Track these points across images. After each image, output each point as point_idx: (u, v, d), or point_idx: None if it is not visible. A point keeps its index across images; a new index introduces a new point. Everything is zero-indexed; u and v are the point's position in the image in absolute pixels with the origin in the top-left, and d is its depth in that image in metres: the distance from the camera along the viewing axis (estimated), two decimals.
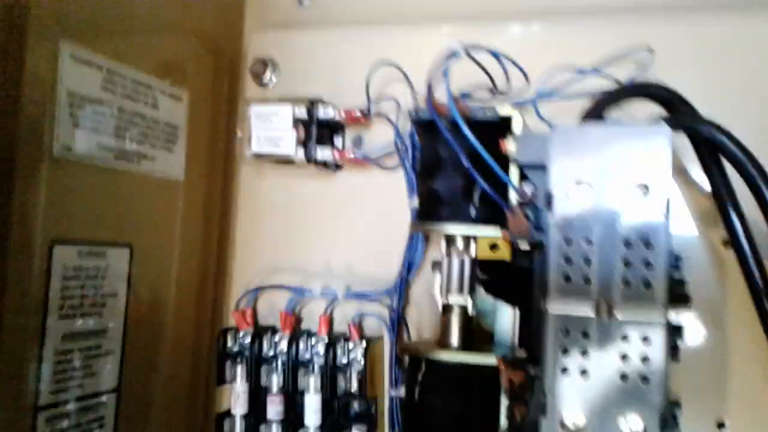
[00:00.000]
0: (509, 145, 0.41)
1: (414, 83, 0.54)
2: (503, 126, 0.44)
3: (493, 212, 0.44)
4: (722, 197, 0.43)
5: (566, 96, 0.49)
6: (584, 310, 0.37)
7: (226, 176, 0.61)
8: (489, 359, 0.42)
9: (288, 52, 0.60)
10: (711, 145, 0.40)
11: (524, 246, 0.42)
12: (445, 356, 0.44)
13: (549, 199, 0.39)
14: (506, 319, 0.48)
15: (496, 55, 0.42)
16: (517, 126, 0.43)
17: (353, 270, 0.58)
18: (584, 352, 0.37)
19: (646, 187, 0.37)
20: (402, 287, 0.55)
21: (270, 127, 0.55)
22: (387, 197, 0.56)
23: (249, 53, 0.61)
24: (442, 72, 0.41)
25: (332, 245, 0.59)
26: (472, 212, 0.44)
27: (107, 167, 0.49)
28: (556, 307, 0.38)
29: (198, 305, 0.59)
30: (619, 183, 0.38)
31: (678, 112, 0.41)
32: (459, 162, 0.44)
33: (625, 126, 0.38)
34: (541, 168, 0.41)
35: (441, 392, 0.46)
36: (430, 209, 0.46)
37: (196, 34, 0.58)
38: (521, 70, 0.45)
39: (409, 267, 0.55)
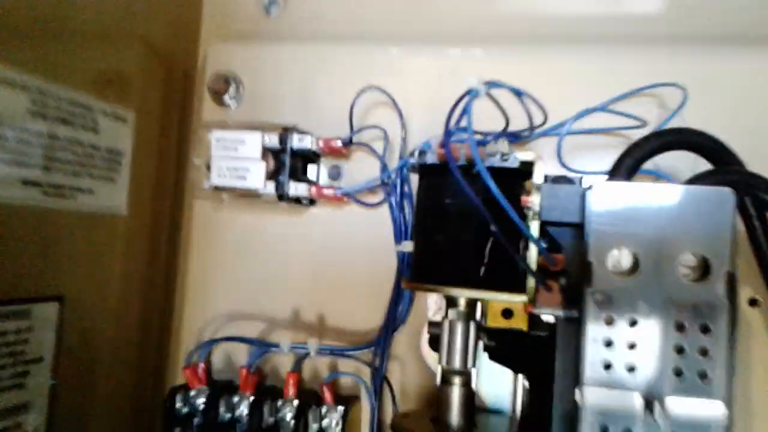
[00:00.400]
0: (532, 199, 0.35)
1: (401, 108, 0.48)
2: (518, 173, 0.38)
3: (507, 272, 0.37)
4: (765, 257, 0.38)
5: (574, 133, 0.44)
6: (627, 404, 0.31)
7: (177, 209, 0.53)
8: None
9: (253, 69, 0.52)
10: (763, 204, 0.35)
11: (547, 316, 0.36)
12: None
13: (586, 270, 0.32)
14: (510, 391, 0.42)
15: (518, 93, 0.36)
16: (538, 175, 0.37)
17: (326, 319, 0.51)
18: None
19: (704, 260, 0.31)
20: (385, 344, 0.48)
21: (234, 157, 0.47)
22: (368, 236, 0.50)
23: (207, 68, 0.52)
24: (462, 112, 0.34)
25: (302, 290, 0.51)
26: (481, 272, 0.37)
27: (34, 206, 0.40)
28: (593, 399, 0.32)
29: (140, 362, 0.51)
30: (671, 254, 0.32)
31: (724, 165, 0.35)
32: (467, 212, 0.37)
33: (680, 187, 0.32)
34: (568, 226, 0.35)
35: None
36: (428, 264, 0.40)
37: (144, 44, 0.49)
38: (542, 109, 0.39)
39: (393, 321, 0.48)
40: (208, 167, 0.48)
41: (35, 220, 0.40)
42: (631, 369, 0.32)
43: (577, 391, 0.32)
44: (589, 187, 0.33)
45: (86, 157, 0.44)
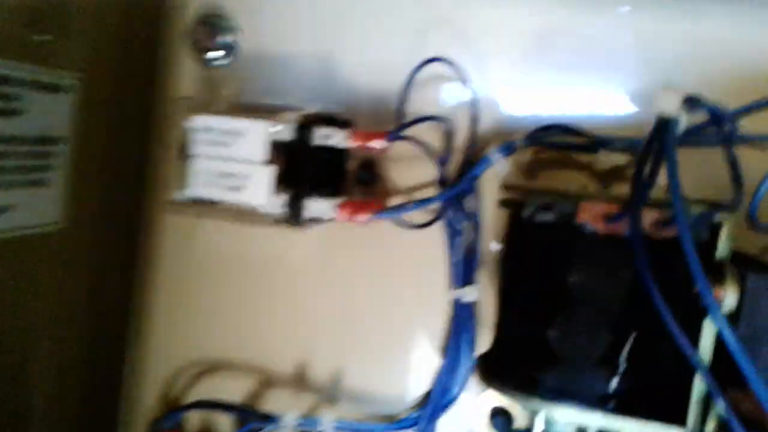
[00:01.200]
0: (727, 294, 0.22)
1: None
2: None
3: (655, 390, 0.25)
4: None
5: None
6: None
7: (138, 219, 0.38)
8: None
9: (253, 8, 0.37)
10: None
11: None
12: None
13: None
14: None
15: (718, 117, 0.22)
16: (724, 246, 0.23)
17: (345, 380, 0.38)
18: None
19: None
20: (431, 424, 0.35)
21: (227, 157, 0.33)
22: (408, 266, 0.36)
23: (185, 6, 0.37)
24: (666, 155, 0.21)
25: (311, 336, 0.38)
26: (612, 385, 0.25)
27: None
28: None
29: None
30: None
31: None
32: (605, 298, 0.25)
33: None
34: None
35: None
36: (528, 365, 0.27)
37: None
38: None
39: (443, 396, 0.35)
40: (182, 151, 0.33)
41: None
42: None
43: None
44: None
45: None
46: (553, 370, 0.26)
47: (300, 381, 0.38)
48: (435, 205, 0.35)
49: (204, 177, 0.33)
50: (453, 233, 0.34)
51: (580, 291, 0.25)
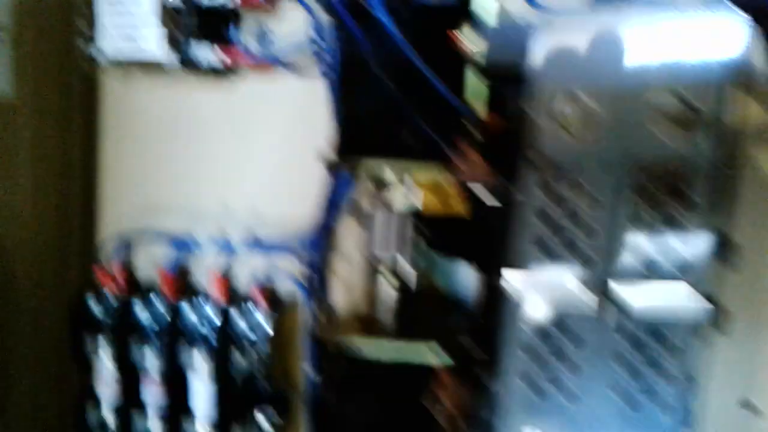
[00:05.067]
0: (467, 41, 0.29)
1: None
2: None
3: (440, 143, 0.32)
4: None
5: None
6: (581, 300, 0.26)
7: (79, 87, 0.46)
8: (431, 357, 0.32)
9: None
10: None
11: (488, 199, 0.30)
12: (369, 349, 0.33)
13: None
14: (466, 279, 0.36)
15: None
16: (485, 9, 0.30)
17: (259, 210, 0.46)
18: (574, 367, 0.27)
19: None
20: (322, 237, 0.43)
21: (125, 17, 0.41)
22: (302, 113, 0.44)
23: None
24: None
25: (229, 177, 0.46)
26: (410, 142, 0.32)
27: None
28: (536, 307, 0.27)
29: (59, 262, 0.47)
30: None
31: None
32: (390, 73, 0.31)
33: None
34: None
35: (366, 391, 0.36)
36: (354, 138, 0.34)
37: None
38: None
39: (331, 209, 0.43)
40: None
41: None
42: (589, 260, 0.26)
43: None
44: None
45: None
46: (368, 134, 0.33)
47: (223, 214, 0.46)
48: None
49: (111, 37, 0.41)
50: (328, 76, 0.41)
51: (374, 70, 0.32)
